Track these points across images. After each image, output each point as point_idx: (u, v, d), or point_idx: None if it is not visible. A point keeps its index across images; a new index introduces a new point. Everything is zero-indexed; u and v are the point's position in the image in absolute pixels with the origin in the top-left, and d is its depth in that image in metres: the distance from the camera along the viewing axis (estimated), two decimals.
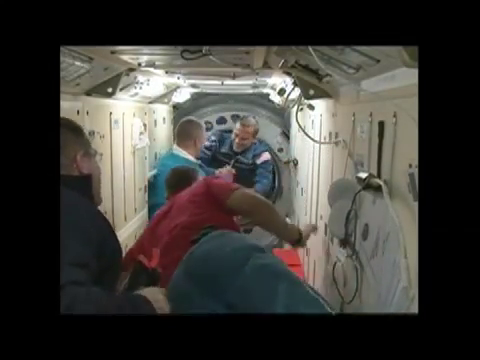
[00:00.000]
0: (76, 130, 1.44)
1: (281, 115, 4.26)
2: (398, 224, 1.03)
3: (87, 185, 1.40)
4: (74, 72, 1.80)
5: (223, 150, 4.20)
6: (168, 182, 2.45)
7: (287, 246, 3.64)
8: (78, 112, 2.03)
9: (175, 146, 3.67)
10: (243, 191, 2.03)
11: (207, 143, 4.10)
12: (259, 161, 4.15)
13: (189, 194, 2.05)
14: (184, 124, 3.68)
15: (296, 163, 3.62)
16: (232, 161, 4.08)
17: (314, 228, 2.25)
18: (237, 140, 4.09)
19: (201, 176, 2.52)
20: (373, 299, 1.23)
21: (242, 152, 4.15)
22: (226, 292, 1.49)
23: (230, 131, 4.24)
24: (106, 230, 1.37)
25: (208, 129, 4.31)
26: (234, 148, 4.13)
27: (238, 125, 4.09)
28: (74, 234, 1.16)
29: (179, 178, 2.43)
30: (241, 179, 3.57)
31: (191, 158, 3.54)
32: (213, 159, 4.15)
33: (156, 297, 1.24)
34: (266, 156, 4.18)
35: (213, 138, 4.23)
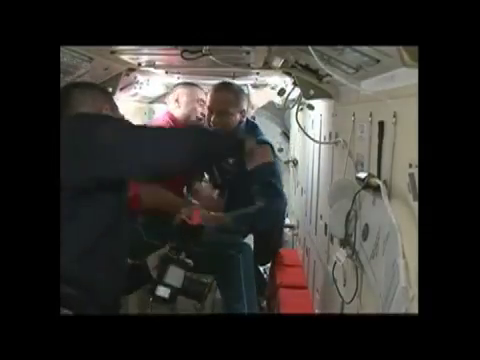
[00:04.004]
0: (105, 92, 1.72)
1: (281, 115, 4.25)
2: (395, 224, 1.03)
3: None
4: (74, 72, 1.80)
5: None
6: None
7: (287, 246, 3.66)
8: None
9: None
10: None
11: None
12: (251, 165, 1.98)
13: None
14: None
15: (296, 163, 3.62)
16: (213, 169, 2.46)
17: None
18: (211, 120, 2.38)
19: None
20: (373, 299, 1.23)
21: None
22: None
23: None
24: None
25: None
26: None
27: (209, 95, 2.47)
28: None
29: None
30: (232, 202, 2.41)
31: None
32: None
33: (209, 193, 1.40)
34: (266, 153, 2.30)
35: None
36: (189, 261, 1.60)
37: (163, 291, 1.53)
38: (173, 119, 2.58)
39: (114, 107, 1.65)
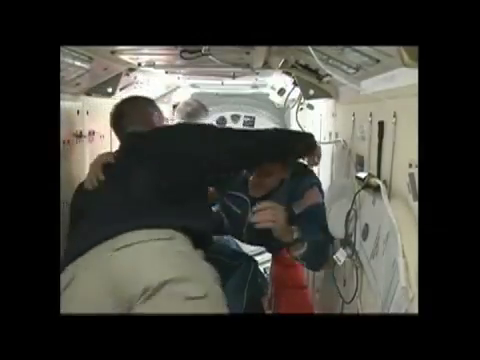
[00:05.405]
0: (150, 101, 2.06)
1: (281, 115, 4.25)
2: (395, 223, 1.03)
3: None
4: (74, 72, 1.80)
5: (233, 192, 2.04)
6: None
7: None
8: (78, 112, 2.03)
9: None
10: None
11: None
12: (299, 209, 1.85)
13: None
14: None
15: None
16: (246, 214, 1.92)
17: None
18: (253, 175, 1.98)
19: None
20: (373, 299, 1.23)
21: (264, 197, 1.90)
22: None
23: None
24: None
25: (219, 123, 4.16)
26: (249, 191, 1.99)
27: None
28: None
29: None
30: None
31: None
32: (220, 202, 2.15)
33: None
34: (315, 196, 1.88)
35: None
36: None
37: None
38: None
39: (160, 113, 1.96)
